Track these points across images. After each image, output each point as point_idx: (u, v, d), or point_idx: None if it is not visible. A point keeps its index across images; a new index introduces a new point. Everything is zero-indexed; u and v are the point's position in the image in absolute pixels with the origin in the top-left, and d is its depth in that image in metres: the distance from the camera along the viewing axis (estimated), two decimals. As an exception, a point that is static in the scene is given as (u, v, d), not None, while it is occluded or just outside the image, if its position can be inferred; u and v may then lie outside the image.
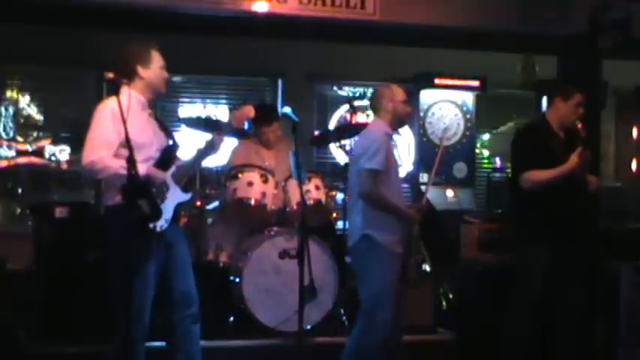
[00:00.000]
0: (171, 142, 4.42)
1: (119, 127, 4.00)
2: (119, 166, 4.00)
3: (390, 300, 4.66)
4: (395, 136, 5.02)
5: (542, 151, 5.16)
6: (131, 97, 4.17)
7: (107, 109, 4.17)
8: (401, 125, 5.11)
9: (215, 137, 4.40)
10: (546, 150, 5.17)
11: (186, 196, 4.42)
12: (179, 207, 4.39)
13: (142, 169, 4.00)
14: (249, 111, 4.46)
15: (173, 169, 4.34)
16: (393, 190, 4.76)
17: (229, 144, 6.63)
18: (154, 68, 4.33)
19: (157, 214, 4.02)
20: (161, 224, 4.18)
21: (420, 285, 6.01)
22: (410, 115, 5.05)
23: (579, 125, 5.17)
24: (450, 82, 8.55)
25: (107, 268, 4.22)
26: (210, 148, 4.40)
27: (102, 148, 4.11)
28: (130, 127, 3.97)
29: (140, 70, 4.30)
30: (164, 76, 4.38)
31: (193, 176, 4.93)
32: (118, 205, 4.03)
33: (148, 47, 4.36)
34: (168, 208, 4.26)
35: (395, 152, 4.91)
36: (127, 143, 3.75)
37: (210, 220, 6.07)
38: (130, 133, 3.97)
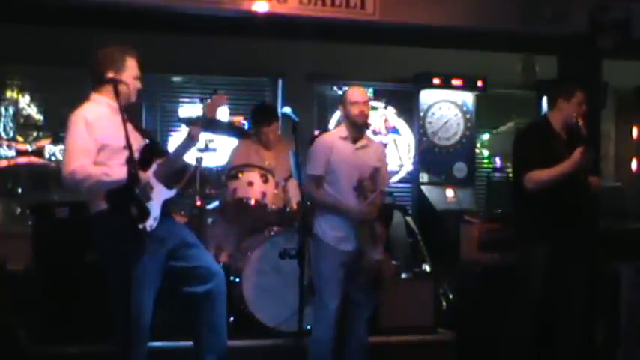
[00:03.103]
0: (148, 141, 4.40)
1: (95, 134, 4.10)
2: (101, 172, 4.08)
3: (333, 295, 4.77)
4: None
5: (544, 151, 5.16)
6: (101, 103, 4.21)
7: (80, 118, 4.19)
8: (358, 128, 4.98)
9: (192, 130, 4.39)
10: (548, 150, 5.17)
11: (171, 193, 4.42)
12: (166, 204, 4.39)
13: (123, 172, 3.93)
14: (220, 99, 4.55)
15: (154, 167, 4.34)
16: (339, 190, 4.87)
17: (229, 144, 6.64)
18: (125, 77, 4.27)
19: (145, 214, 4.02)
20: (150, 224, 4.20)
21: (418, 285, 6.06)
22: (361, 117, 4.92)
23: (580, 123, 5.16)
24: (450, 82, 8.55)
25: (105, 273, 4.23)
26: (189, 141, 4.40)
27: (81, 156, 4.11)
28: (103, 133, 4.09)
29: (111, 75, 4.21)
30: (136, 86, 4.34)
31: (189, 175, 4.94)
32: (104, 211, 4.05)
33: (125, 54, 4.31)
34: (155, 207, 4.28)
35: (356, 154, 4.94)
36: (127, 143, 3.76)
37: (210, 220, 6.07)
38: (105, 139, 4.09)
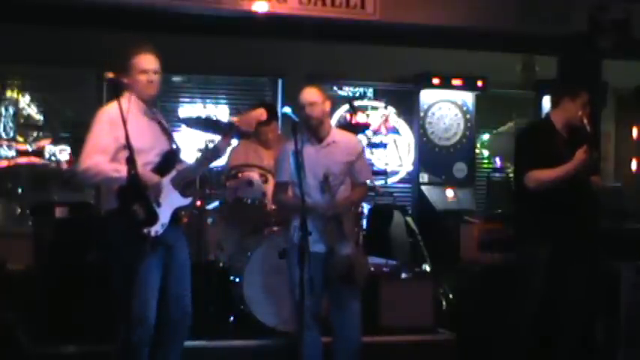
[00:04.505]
0: (173, 147, 4.43)
1: (116, 133, 4.07)
2: (112, 169, 4.09)
3: (307, 297, 4.54)
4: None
5: (546, 150, 5.16)
6: (131, 101, 4.20)
7: (105, 114, 4.22)
8: (315, 127, 4.85)
9: (221, 142, 4.45)
10: (550, 149, 5.17)
11: (186, 201, 4.43)
12: (178, 211, 4.39)
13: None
14: (260, 114, 4.59)
15: (173, 173, 4.35)
16: (307, 191, 4.72)
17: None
18: (133, 75, 4.32)
19: (153, 219, 4.06)
20: (156, 229, 4.17)
21: (418, 285, 6.05)
22: (308, 119, 4.80)
23: (586, 121, 5.16)
24: (450, 82, 8.56)
25: (109, 273, 4.24)
26: (216, 153, 4.47)
27: (97, 153, 4.14)
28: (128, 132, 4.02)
29: (125, 80, 4.30)
30: (143, 80, 4.32)
31: (193, 178, 4.95)
32: (113, 210, 4.07)
33: (131, 55, 4.36)
34: (165, 213, 4.26)
35: (320, 152, 4.85)
36: (127, 144, 3.77)
37: (210, 220, 6.06)
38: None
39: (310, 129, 4.87)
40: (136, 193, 3.94)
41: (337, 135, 4.99)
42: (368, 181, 5.15)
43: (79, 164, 4.21)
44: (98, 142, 4.16)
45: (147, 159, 4.23)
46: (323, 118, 4.87)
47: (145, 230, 4.01)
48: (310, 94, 4.87)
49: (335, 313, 4.89)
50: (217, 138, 4.58)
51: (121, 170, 4.05)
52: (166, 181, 4.30)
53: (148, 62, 4.36)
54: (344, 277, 4.73)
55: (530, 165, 5.15)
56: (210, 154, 4.47)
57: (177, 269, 4.41)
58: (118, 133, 4.05)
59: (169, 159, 4.37)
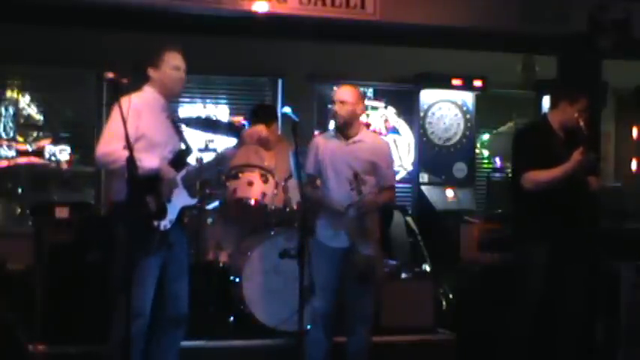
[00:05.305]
0: (184, 147, 4.50)
1: (135, 122, 4.17)
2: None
3: (323, 291, 4.73)
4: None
5: (543, 151, 5.17)
6: (151, 95, 4.37)
7: (127, 103, 4.24)
8: (341, 125, 4.93)
9: (229, 152, 4.64)
10: (547, 150, 5.18)
11: (192, 201, 4.52)
12: (184, 210, 4.44)
13: (154, 162, 4.17)
14: (261, 130, 4.75)
15: (184, 172, 4.42)
16: (329, 186, 4.89)
17: (229, 144, 6.63)
18: (163, 69, 4.43)
19: (163, 212, 4.16)
20: (165, 224, 4.26)
21: (418, 285, 6.06)
22: (334, 115, 4.92)
23: (582, 123, 5.17)
24: (450, 82, 8.55)
25: (108, 263, 4.26)
26: (223, 161, 4.64)
27: (116, 140, 4.17)
28: (145, 123, 4.21)
29: (150, 71, 4.43)
30: (174, 76, 4.44)
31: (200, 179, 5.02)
32: (124, 201, 4.05)
33: (163, 49, 4.47)
34: (173, 209, 4.33)
35: (345, 149, 4.91)
36: (127, 141, 3.80)
37: (210, 220, 6.07)
38: (145, 128, 4.21)
39: (337, 126, 4.92)
40: (149, 185, 4.06)
41: (366, 136, 5.02)
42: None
43: (97, 150, 4.28)
44: (117, 129, 4.15)
45: (162, 154, 4.34)
46: (351, 119, 4.93)
47: (155, 223, 4.11)
48: (342, 93, 4.96)
49: (350, 312, 4.92)
50: (217, 138, 4.66)
51: (142, 159, 4.09)
52: (179, 177, 4.37)
53: (180, 60, 4.48)
54: (363, 277, 4.76)
55: (528, 165, 5.15)
56: (219, 160, 4.61)
57: (176, 268, 4.44)
58: (138, 123, 4.18)
59: (181, 157, 4.46)
